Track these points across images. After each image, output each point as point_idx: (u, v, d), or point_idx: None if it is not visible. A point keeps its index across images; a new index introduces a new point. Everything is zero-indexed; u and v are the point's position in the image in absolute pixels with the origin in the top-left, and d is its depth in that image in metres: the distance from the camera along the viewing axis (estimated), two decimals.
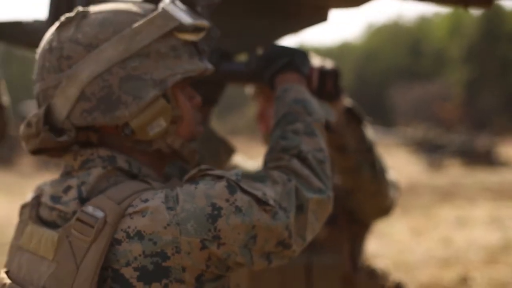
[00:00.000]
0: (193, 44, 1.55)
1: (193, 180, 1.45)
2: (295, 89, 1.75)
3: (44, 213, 1.50)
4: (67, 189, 1.47)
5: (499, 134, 28.54)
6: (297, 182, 1.50)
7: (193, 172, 1.46)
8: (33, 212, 1.52)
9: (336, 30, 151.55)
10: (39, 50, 1.52)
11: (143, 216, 1.36)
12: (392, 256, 8.66)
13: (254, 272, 2.47)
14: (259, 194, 1.42)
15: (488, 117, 39.52)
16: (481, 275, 7.52)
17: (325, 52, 68.35)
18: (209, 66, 1.57)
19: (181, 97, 1.56)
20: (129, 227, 1.35)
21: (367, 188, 2.46)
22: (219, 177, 1.43)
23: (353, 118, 2.44)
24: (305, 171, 1.53)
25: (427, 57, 55.36)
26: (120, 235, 1.35)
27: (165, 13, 1.48)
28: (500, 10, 52.51)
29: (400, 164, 24.34)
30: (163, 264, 1.34)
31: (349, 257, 2.59)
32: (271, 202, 1.42)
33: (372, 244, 9.55)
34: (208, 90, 1.98)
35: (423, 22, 62.01)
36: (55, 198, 1.48)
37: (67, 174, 1.52)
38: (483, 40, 50.13)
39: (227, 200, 1.39)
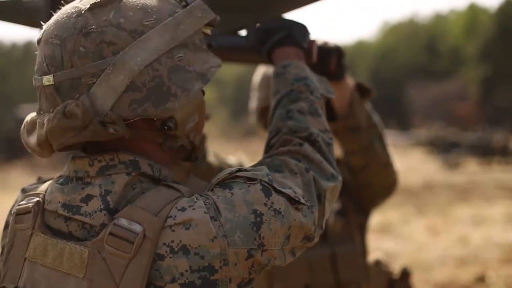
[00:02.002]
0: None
1: (224, 184, 1.38)
2: (295, 65, 1.69)
3: (54, 222, 1.39)
4: (88, 198, 1.35)
5: None
6: (312, 171, 1.46)
7: (223, 175, 1.39)
8: (39, 221, 1.40)
9: (351, 28, 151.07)
10: (57, 32, 1.36)
11: (187, 229, 1.29)
12: (409, 255, 8.65)
13: (281, 267, 2.53)
14: (291, 193, 1.38)
15: (504, 115, 39.28)
16: (498, 274, 7.51)
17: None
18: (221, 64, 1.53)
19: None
20: (172, 241, 1.28)
21: (380, 160, 2.46)
22: (252, 179, 1.38)
23: (362, 94, 2.40)
24: (317, 156, 1.49)
25: (443, 55, 55.08)
26: (162, 250, 1.28)
27: (202, 6, 1.45)
28: None
29: (416, 164, 24.28)
30: (211, 278, 1.29)
31: (361, 244, 2.64)
32: (303, 200, 1.39)
33: (389, 243, 9.57)
34: None
35: (439, 20, 61.68)
36: (71, 207, 1.36)
37: (78, 180, 1.39)
38: (499, 37, 49.84)
39: (266, 204, 1.35)
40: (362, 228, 2.67)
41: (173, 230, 1.28)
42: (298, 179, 1.43)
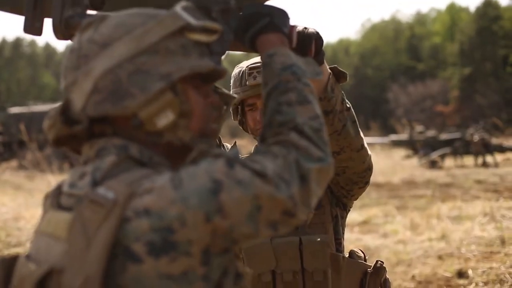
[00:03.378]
0: (206, 45, 1.65)
1: (195, 161, 1.50)
2: (280, 53, 1.72)
3: (64, 200, 1.58)
4: (82, 175, 1.55)
5: (496, 130, 28.62)
6: (297, 154, 1.51)
7: (194, 154, 1.52)
8: (54, 200, 1.61)
9: (334, 26, 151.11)
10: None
11: (150, 194, 1.43)
12: (391, 251, 8.73)
13: (249, 252, 2.58)
14: (257, 167, 1.45)
15: (484, 115, 39.49)
16: (478, 269, 7.59)
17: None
18: (219, 67, 1.65)
19: (193, 93, 1.63)
20: (138, 205, 1.42)
21: (354, 144, 2.47)
22: (218, 155, 1.48)
23: (337, 77, 2.41)
24: (303, 142, 1.54)
25: (425, 54, 55.29)
26: (130, 213, 1.42)
27: (174, 14, 1.59)
28: (494, 7, 52.46)
29: (398, 162, 24.47)
30: (170, 238, 1.40)
31: (333, 237, 2.65)
32: (270, 173, 1.45)
33: (372, 239, 9.70)
34: None
35: (420, 18, 61.87)
36: (72, 185, 1.57)
37: (84, 163, 1.61)
38: (478, 37, 50.08)
39: (227, 174, 1.43)
40: (337, 220, 2.68)
41: (141, 197, 1.44)
42: (279, 161, 1.49)
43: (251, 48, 1.83)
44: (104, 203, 1.44)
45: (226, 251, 1.50)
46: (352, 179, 2.60)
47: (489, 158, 22.68)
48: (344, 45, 62.86)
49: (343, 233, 2.74)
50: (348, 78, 2.45)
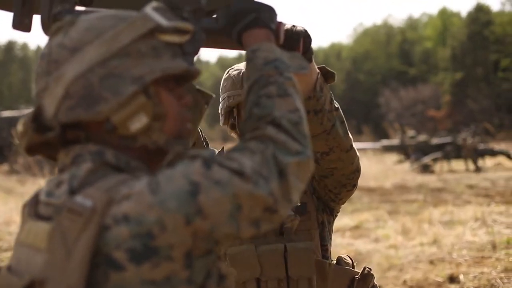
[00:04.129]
0: (178, 46, 1.64)
1: (171, 164, 1.49)
2: (264, 48, 1.71)
3: (42, 209, 1.55)
4: (59, 183, 1.53)
5: (487, 135, 28.70)
6: (275, 149, 1.50)
7: (170, 157, 1.50)
8: (32, 210, 1.58)
9: (326, 30, 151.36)
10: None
11: (128, 200, 1.42)
12: (383, 255, 8.75)
13: (234, 260, 2.55)
14: (234, 165, 1.44)
15: (475, 119, 39.61)
16: (469, 274, 7.60)
17: (315, 52, 67.47)
18: (193, 68, 1.64)
19: (166, 95, 1.61)
20: (117, 212, 1.42)
21: (343, 145, 2.45)
22: (194, 157, 1.47)
23: (325, 77, 2.40)
24: (281, 136, 1.52)
25: (417, 59, 55.42)
26: (109, 221, 1.41)
27: (144, 15, 1.57)
28: (486, 12, 52.62)
29: (390, 167, 24.49)
30: (151, 243, 1.40)
31: (320, 243, 2.63)
32: (248, 170, 1.44)
33: (364, 244, 9.70)
34: None
35: (412, 23, 62.00)
36: (49, 194, 1.54)
37: (61, 171, 1.59)
38: (470, 42, 50.22)
39: (205, 175, 1.42)
40: (323, 226, 2.67)
41: (119, 204, 1.43)
42: (256, 157, 1.48)
43: (239, 43, 1.83)
44: (83, 212, 1.43)
45: (208, 253, 1.49)
46: (340, 181, 2.58)
47: (480, 163, 22.73)
48: (336, 50, 62.94)
49: (331, 239, 2.72)
50: (336, 78, 2.44)
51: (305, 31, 2.09)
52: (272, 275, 2.54)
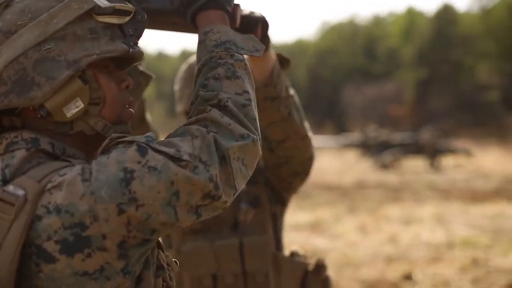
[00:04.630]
0: (118, 27, 1.56)
1: (106, 150, 1.44)
2: (217, 30, 1.66)
3: None
4: None
5: (448, 134, 28.96)
6: (217, 133, 1.46)
7: (105, 143, 1.45)
8: None
9: (291, 27, 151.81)
10: None
11: (60, 190, 1.38)
12: (340, 253, 8.77)
13: (189, 256, 2.54)
14: (171, 151, 1.40)
15: (437, 118, 40.01)
16: (425, 272, 7.65)
17: (279, 49, 67.80)
18: (134, 50, 1.57)
19: (105, 79, 1.55)
20: (49, 202, 1.38)
21: (299, 132, 2.44)
22: (130, 142, 1.43)
23: (281, 64, 2.38)
24: (225, 120, 1.49)
25: (381, 57, 55.81)
26: (40, 211, 1.37)
27: None
28: (452, 12, 53.19)
29: (350, 164, 24.60)
30: (83, 234, 1.36)
31: (273, 236, 2.62)
32: (186, 157, 1.40)
33: (321, 241, 9.69)
34: None
35: (378, 22, 62.43)
36: None
37: None
38: (435, 42, 50.71)
39: (139, 162, 1.38)
40: (276, 218, 2.66)
41: (51, 193, 1.38)
42: (197, 141, 1.44)
43: (192, 25, 1.76)
44: (14, 202, 1.38)
45: (145, 242, 1.44)
46: (295, 169, 2.56)
47: (440, 161, 22.89)
48: (301, 46, 63.09)
49: (283, 230, 2.72)
50: (290, 63, 2.43)
51: (263, 17, 2.05)
52: (228, 270, 2.53)
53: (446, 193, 15.29)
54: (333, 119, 45.45)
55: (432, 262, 8.22)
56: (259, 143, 1.53)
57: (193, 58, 2.68)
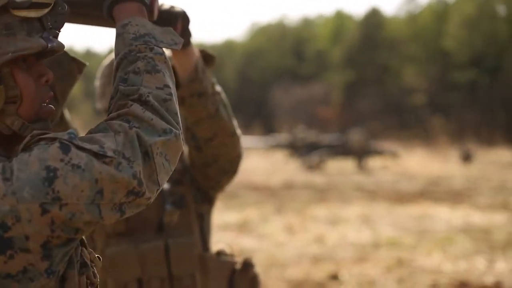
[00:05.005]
0: (38, 19, 1.51)
1: (28, 148, 1.40)
2: (135, 23, 1.62)
3: None
4: None
5: (375, 136, 29.36)
6: (139, 128, 1.44)
7: (26, 140, 1.42)
8: None
9: (220, 27, 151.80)
10: None
11: None
12: (266, 253, 8.79)
13: (113, 261, 2.48)
14: (95, 148, 1.38)
15: (365, 120, 40.55)
16: (350, 272, 7.73)
17: (208, 49, 67.82)
18: (54, 44, 1.52)
19: (22, 75, 1.51)
20: None
21: (227, 129, 2.42)
22: (52, 139, 1.39)
23: (206, 61, 2.38)
24: (147, 114, 1.46)
25: (309, 59, 56.28)
26: None
27: None
28: (379, 16, 54.01)
29: (278, 165, 24.71)
30: (5, 235, 1.33)
31: (200, 236, 2.58)
32: (110, 153, 1.38)
33: (248, 241, 9.69)
34: None
35: (307, 24, 62.93)
36: None
37: None
38: (363, 45, 51.42)
39: (62, 160, 1.36)
40: (203, 218, 2.61)
41: None
42: (120, 137, 1.42)
43: (110, 18, 1.71)
44: None
45: (69, 241, 1.41)
46: (224, 168, 2.53)
47: (367, 163, 23.19)
48: (230, 46, 63.14)
49: (210, 230, 2.69)
50: (215, 61, 2.44)
51: (184, 12, 2.05)
52: (154, 274, 2.48)
53: (372, 194, 15.49)
54: (262, 120, 45.55)
55: (358, 262, 8.31)
56: (181, 138, 1.51)
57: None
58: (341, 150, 24.07)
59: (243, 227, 10.92)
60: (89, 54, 65.36)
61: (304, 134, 26.91)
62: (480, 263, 8.03)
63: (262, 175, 20.11)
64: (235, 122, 2.48)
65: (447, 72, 46.49)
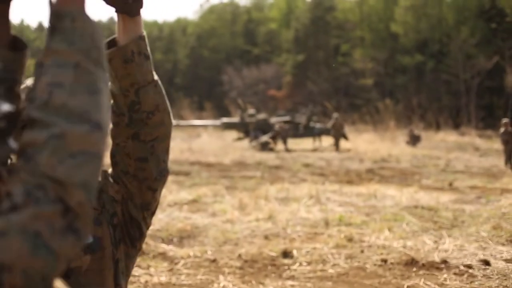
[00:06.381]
0: None
1: None
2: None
3: None
4: None
5: (325, 117, 29.55)
6: None
7: None
8: None
9: (172, 4, 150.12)
10: None
11: None
12: (219, 230, 8.82)
13: None
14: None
15: (315, 101, 40.70)
16: (302, 249, 7.79)
17: (160, 26, 67.15)
18: None
19: None
20: None
21: (166, 104, 2.19)
22: None
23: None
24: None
25: (261, 40, 56.17)
26: None
27: None
28: None
29: (230, 144, 24.70)
30: None
31: (113, 284, 2.19)
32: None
33: (201, 218, 9.73)
34: None
35: (258, 4, 62.68)
36: None
37: None
38: (313, 27, 51.49)
39: None
40: (117, 264, 2.21)
41: None
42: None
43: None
44: None
45: None
46: (159, 161, 2.18)
47: (317, 143, 23.38)
48: (181, 25, 62.64)
49: (129, 274, 2.29)
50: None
51: None
52: None
53: (322, 173, 15.64)
54: (213, 100, 45.46)
55: (309, 239, 8.36)
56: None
57: None
58: (292, 130, 24.23)
59: (195, 205, 10.95)
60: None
61: (255, 114, 27.00)
62: (427, 241, 8.19)
63: (215, 155, 20.12)
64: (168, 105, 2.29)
65: (395, 56, 46.94)
